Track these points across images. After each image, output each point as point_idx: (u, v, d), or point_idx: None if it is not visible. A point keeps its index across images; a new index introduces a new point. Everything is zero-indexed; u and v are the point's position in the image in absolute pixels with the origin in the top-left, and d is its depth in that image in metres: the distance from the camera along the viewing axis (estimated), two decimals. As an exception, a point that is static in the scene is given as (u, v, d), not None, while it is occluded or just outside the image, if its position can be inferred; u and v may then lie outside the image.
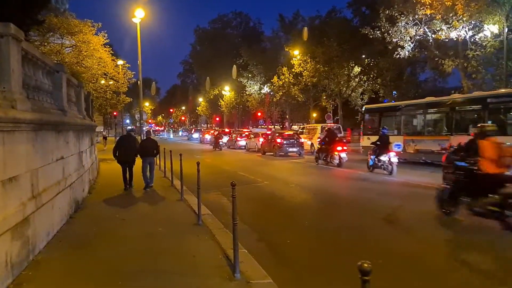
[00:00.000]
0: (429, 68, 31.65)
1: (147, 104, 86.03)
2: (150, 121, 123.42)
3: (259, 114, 61.81)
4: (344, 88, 39.58)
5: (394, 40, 26.00)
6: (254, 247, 6.56)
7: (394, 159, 15.94)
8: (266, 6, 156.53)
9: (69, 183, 8.60)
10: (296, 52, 40.09)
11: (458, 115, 18.71)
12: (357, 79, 37.52)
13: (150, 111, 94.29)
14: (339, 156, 18.96)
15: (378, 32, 27.19)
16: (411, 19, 24.81)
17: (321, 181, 15.42)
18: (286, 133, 27.73)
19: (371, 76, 36.37)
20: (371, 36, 27.96)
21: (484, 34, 23.01)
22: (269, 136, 28.95)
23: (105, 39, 24.76)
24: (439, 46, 26.73)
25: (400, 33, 25.39)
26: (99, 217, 8.81)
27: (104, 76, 25.23)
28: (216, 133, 41.65)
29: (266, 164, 22.03)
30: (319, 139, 22.78)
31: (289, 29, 49.48)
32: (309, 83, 39.40)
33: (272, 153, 27.26)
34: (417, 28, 25.05)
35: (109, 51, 25.43)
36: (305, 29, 41.44)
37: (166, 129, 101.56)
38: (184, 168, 11.64)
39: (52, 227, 7.03)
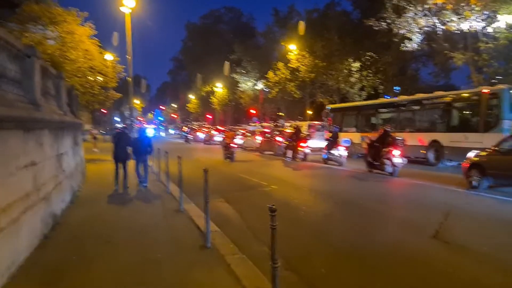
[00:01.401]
0: (436, 62, 30.00)
1: (137, 101, 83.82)
2: (141, 118, 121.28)
3: (252, 111, 60.19)
4: (343, 84, 38.02)
5: (402, 31, 24.34)
6: (283, 281, 4.93)
7: (344, 153, 18.50)
8: (259, 2, 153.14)
9: (43, 195, 6.91)
10: (292, 46, 38.36)
11: (403, 115, 21.34)
12: (357, 75, 35.81)
13: (140, 109, 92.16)
14: (304, 152, 21.17)
15: (383, 23, 25.55)
16: (420, 9, 23.20)
17: (331, 183, 13.91)
18: (287, 130, 26.13)
19: (373, 70, 34.63)
20: (376, 28, 26.26)
21: (498, 25, 21.55)
22: (268, 134, 27.38)
23: (92, 30, 22.92)
24: (447, 39, 25.24)
25: (408, 24, 23.76)
26: (81, 236, 7.11)
27: (91, 70, 23.28)
28: (186, 128, 55.36)
29: (268, 165, 20.39)
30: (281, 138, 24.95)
31: (284, 23, 47.68)
32: (307, 79, 37.74)
33: (271, 153, 25.67)
34: (427, 19, 23.43)
35: (96, 44, 23.57)
36: (301, 23, 39.67)
37: (157, 126, 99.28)
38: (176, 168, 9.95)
39: (16, 255, 5.36)
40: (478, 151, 12.32)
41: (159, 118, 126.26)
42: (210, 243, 6.35)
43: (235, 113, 74.83)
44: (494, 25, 21.60)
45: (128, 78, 23.47)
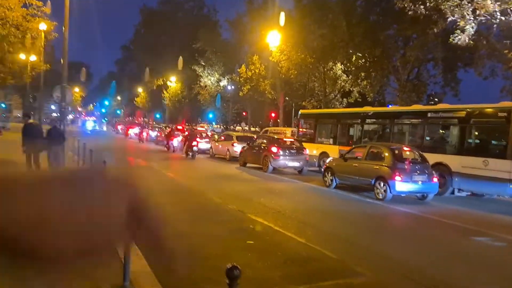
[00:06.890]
0: (478, 65, 24.04)
1: (76, 89, 73.76)
2: (80, 109, 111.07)
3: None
4: (330, 88, 32.03)
5: (453, 17, 18.00)
6: None
7: (196, 149, 22.83)
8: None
9: None
10: (275, 36, 31.53)
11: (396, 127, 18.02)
12: (359, 74, 29.56)
13: (80, 98, 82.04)
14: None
15: (422, 7, 19.22)
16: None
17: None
18: (284, 138, 19.48)
19: (374, 71, 28.38)
20: (410, 13, 19.95)
21: None
22: (253, 142, 20.55)
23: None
24: (498, 35, 19.60)
25: (461, 9, 17.51)
26: None
27: (3, 24, 15.18)
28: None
29: (273, 190, 13.28)
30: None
31: (259, 13, 40.83)
32: (291, 76, 31.21)
33: (259, 166, 18.84)
34: (490, 2, 17.30)
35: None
36: (282, 13, 33.19)
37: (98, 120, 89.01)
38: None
39: None
40: (332, 158, 15.36)
41: (102, 110, 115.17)
42: None
43: (190, 110, 67.34)
44: None
45: (62, 60, 15.92)
